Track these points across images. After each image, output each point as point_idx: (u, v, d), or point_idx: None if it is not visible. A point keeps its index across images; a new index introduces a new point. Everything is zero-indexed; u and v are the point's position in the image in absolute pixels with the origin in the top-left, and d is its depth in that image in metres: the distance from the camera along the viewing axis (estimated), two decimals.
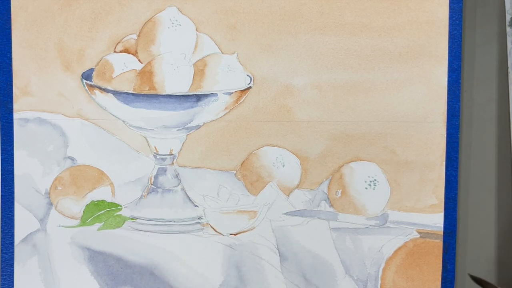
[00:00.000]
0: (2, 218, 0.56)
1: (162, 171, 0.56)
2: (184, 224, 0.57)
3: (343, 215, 0.57)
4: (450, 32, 0.56)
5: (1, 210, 0.56)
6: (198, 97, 0.55)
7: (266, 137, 0.56)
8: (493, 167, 0.58)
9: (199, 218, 0.57)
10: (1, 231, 0.56)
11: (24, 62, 0.56)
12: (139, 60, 0.56)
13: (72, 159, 0.56)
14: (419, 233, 0.57)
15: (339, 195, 0.57)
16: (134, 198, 0.57)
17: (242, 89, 0.56)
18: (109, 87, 0.56)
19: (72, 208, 0.56)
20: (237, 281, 0.57)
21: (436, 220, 0.56)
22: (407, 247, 0.57)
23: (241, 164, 0.56)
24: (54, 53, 0.56)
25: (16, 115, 0.56)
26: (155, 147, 0.56)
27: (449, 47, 0.56)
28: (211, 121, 0.56)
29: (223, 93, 0.56)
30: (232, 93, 0.56)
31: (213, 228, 0.57)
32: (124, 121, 0.56)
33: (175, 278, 0.57)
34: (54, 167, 0.56)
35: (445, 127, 0.56)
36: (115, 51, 0.56)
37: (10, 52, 0.56)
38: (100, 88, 0.55)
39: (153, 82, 0.55)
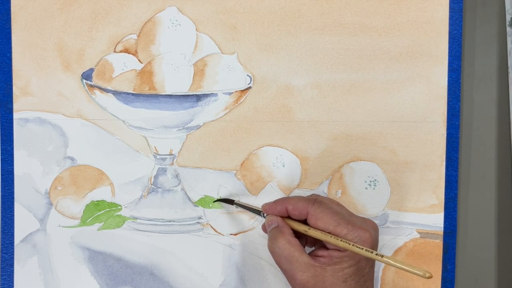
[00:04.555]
0: (2, 218, 0.56)
1: (162, 171, 0.56)
2: (184, 224, 0.57)
3: None
4: (450, 32, 0.56)
5: (1, 210, 0.56)
6: (198, 97, 0.55)
7: (266, 137, 0.56)
8: (493, 167, 0.58)
9: (199, 218, 0.57)
10: (1, 231, 0.56)
11: (24, 62, 0.56)
12: (139, 60, 0.56)
13: (72, 159, 0.56)
14: (419, 233, 0.57)
15: (339, 195, 0.57)
16: (134, 198, 0.57)
17: (242, 89, 0.56)
18: (109, 87, 0.56)
19: (72, 208, 0.56)
20: (237, 281, 0.57)
21: (436, 220, 0.56)
22: (407, 247, 0.57)
23: (241, 164, 0.56)
24: (54, 53, 0.56)
25: (16, 115, 0.56)
26: (155, 147, 0.56)
27: (449, 47, 0.56)
28: (211, 121, 0.56)
29: (223, 93, 0.56)
30: (232, 93, 0.56)
31: (213, 228, 0.57)
32: (124, 121, 0.56)
33: (175, 278, 0.57)
34: (54, 167, 0.56)
35: (445, 127, 0.56)
36: (115, 51, 0.56)
37: (10, 52, 0.56)
38: (100, 88, 0.55)
39: (153, 82, 0.55)
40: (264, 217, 0.51)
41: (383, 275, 0.57)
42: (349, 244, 0.44)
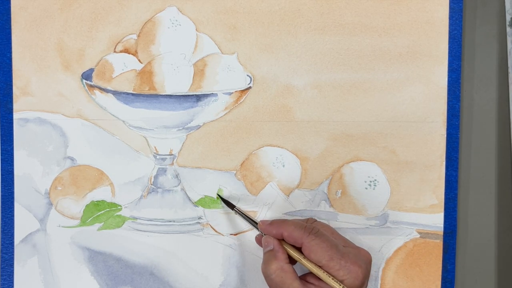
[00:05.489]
0: (2, 218, 0.56)
1: (162, 171, 0.56)
2: (184, 224, 0.57)
3: (343, 215, 0.57)
4: (450, 32, 0.56)
5: (1, 210, 0.56)
6: (198, 97, 0.55)
7: (266, 137, 0.56)
8: (493, 167, 0.58)
9: (199, 218, 0.57)
10: (1, 231, 0.56)
11: (24, 62, 0.56)
12: (139, 60, 0.56)
13: (72, 159, 0.56)
14: (419, 233, 0.57)
15: (339, 195, 0.57)
16: (134, 198, 0.57)
17: (242, 89, 0.56)
18: (109, 87, 0.56)
19: (72, 208, 0.56)
20: (237, 281, 0.57)
21: (436, 220, 0.56)
22: (407, 247, 0.57)
23: (241, 164, 0.56)
24: (54, 53, 0.56)
25: (16, 115, 0.56)
26: (155, 147, 0.56)
27: (449, 47, 0.56)
28: (211, 121, 0.56)
29: (223, 93, 0.56)
30: (232, 93, 0.56)
31: (213, 228, 0.57)
32: (124, 121, 0.56)
33: (175, 278, 0.57)
34: (54, 167, 0.56)
35: (445, 127, 0.56)
36: (115, 51, 0.56)
37: (10, 52, 0.56)
38: (100, 88, 0.55)
39: (153, 82, 0.55)
40: (259, 230, 0.52)
41: (383, 275, 0.57)
42: (339, 285, 0.45)
